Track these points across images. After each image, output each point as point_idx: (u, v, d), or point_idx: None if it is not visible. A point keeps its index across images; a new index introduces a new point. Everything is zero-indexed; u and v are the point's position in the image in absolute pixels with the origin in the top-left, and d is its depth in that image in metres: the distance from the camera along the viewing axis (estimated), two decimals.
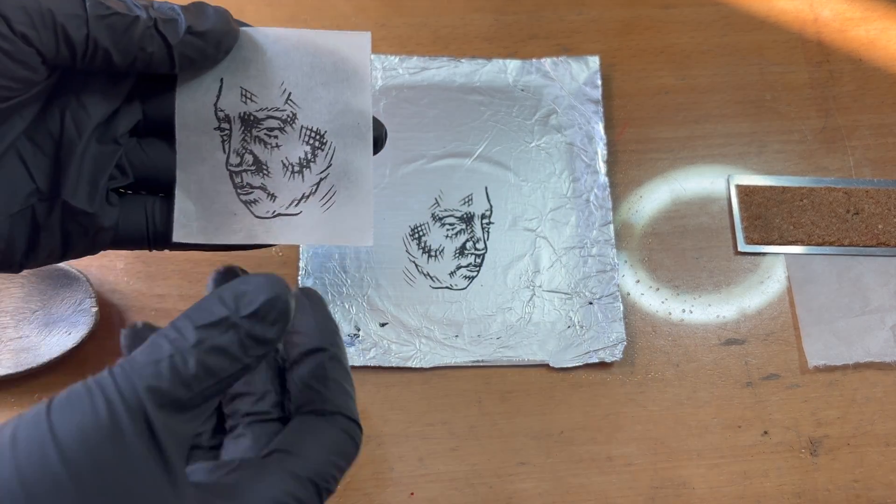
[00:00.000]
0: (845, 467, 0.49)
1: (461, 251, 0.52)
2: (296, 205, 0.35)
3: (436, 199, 0.53)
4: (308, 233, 0.35)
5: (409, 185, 0.54)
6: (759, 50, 0.59)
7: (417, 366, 0.49)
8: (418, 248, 0.52)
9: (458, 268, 0.52)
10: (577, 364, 0.50)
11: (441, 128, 0.55)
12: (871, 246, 0.54)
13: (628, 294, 0.52)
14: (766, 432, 0.49)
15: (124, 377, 0.25)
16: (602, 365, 0.50)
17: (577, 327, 0.51)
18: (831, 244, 0.54)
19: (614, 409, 0.49)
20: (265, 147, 0.35)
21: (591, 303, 0.51)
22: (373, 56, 0.56)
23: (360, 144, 0.35)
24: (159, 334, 0.27)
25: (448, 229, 0.53)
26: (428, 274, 0.52)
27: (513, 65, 0.57)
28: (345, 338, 0.49)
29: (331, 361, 0.32)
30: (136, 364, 0.26)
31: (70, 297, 0.48)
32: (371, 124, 0.35)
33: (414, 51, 0.58)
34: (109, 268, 0.51)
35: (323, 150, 0.35)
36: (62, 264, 0.49)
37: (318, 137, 0.35)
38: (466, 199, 0.54)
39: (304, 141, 0.35)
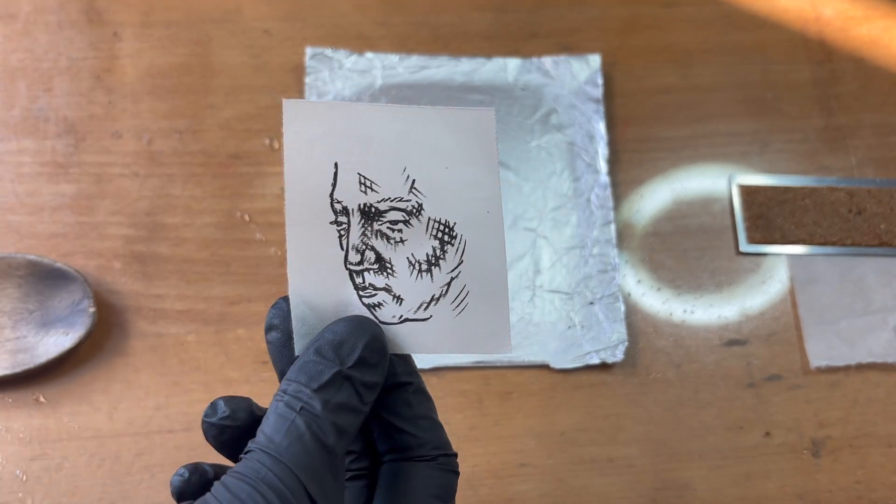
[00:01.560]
0: (847, 468, 0.48)
1: None
2: (425, 308, 0.31)
3: None
4: (439, 341, 0.31)
5: None
6: (761, 49, 0.59)
7: (417, 366, 0.49)
8: None
9: None
10: (577, 365, 0.49)
11: None
12: (874, 246, 0.53)
13: (629, 294, 0.52)
14: (768, 433, 0.49)
15: (275, 462, 0.26)
16: (603, 365, 0.50)
17: (578, 328, 0.50)
18: (833, 244, 0.53)
19: (615, 410, 0.49)
20: (388, 243, 0.31)
21: (592, 303, 0.51)
22: (371, 55, 0.56)
23: (491, 236, 0.31)
24: (284, 407, 0.27)
25: None
26: None
27: (513, 63, 0.57)
28: None
29: (416, 395, 0.31)
30: (280, 447, 0.26)
31: (68, 298, 0.48)
32: (502, 212, 0.32)
33: (414, 49, 0.57)
34: (107, 268, 0.50)
35: (453, 245, 0.31)
36: (60, 264, 0.48)
37: (447, 230, 0.31)
38: None
39: (431, 235, 0.31)
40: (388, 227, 0.31)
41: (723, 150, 0.56)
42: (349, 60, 0.56)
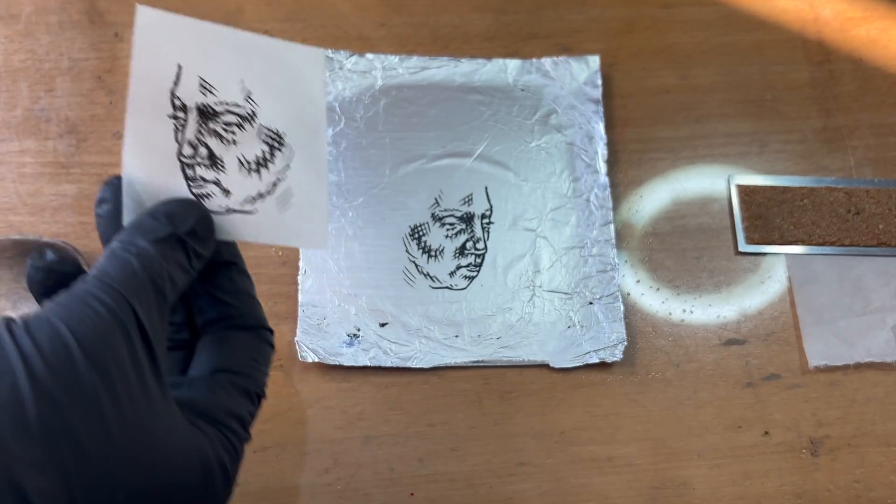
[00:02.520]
0: (846, 468, 0.49)
1: (461, 251, 0.52)
2: (251, 203, 0.34)
3: (436, 199, 0.53)
4: (262, 232, 0.35)
5: (409, 185, 0.54)
6: (760, 49, 0.59)
7: (417, 366, 0.49)
8: (418, 248, 0.52)
9: (458, 268, 0.52)
10: (577, 364, 0.49)
11: (441, 128, 0.55)
12: (872, 246, 0.53)
13: (629, 294, 0.52)
14: (766, 432, 0.49)
15: (108, 289, 0.27)
16: (602, 365, 0.50)
17: (578, 327, 0.51)
18: (832, 244, 0.53)
19: (615, 410, 0.49)
20: (221, 142, 0.34)
21: (591, 303, 0.51)
22: (372, 56, 0.56)
23: (316, 149, 0.36)
24: (120, 249, 0.28)
25: (448, 229, 0.53)
26: (428, 274, 0.52)
27: (513, 64, 0.57)
28: (344, 338, 0.49)
29: (239, 275, 0.34)
30: (114, 277, 0.27)
31: None
32: (325, 130, 0.36)
33: (414, 50, 0.57)
34: None
35: (282, 152, 0.35)
36: (46, 238, 0.48)
37: (276, 138, 0.35)
38: (466, 199, 0.53)
39: (262, 140, 0.35)
40: (222, 128, 0.34)
41: (721, 151, 0.56)
42: (350, 61, 0.56)
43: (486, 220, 0.53)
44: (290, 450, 0.47)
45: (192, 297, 0.34)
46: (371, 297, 0.51)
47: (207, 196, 0.34)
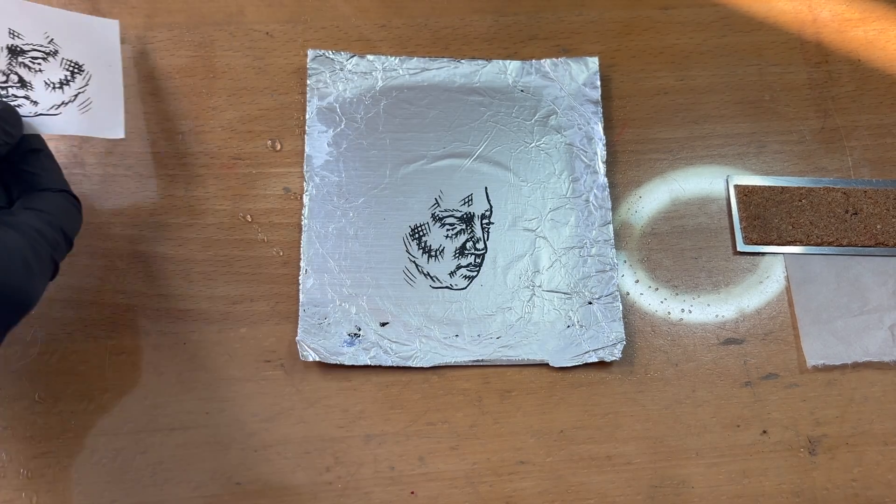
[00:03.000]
0: (844, 466, 0.49)
1: (461, 251, 0.53)
2: (56, 108, 0.44)
3: (436, 200, 0.54)
4: (66, 128, 0.44)
5: (410, 185, 0.54)
6: (758, 51, 0.60)
7: (418, 365, 0.49)
8: (418, 248, 0.52)
9: (458, 268, 0.52)
10: (576, 363, 0.50)
11: (441, 128, 0.55)
12: (870, 246, 0.54)
13: (627, 294, 0.53)
14: (764, 431, 0.50)
15: None
16: (601, 364, 0.50)
17: (577, 327, 0.51)
18: (830, 244, 0.54)
19: (613, 409, 0.50)
20: (30, 70, 0.44)
21: (590, 302, 0.51)
22: (372, 57, 0.57)
23: (112, 74, 0.46)
24: None
25: (448, 229, 0.53)
26: (428, 274, 0.52)
27: (512, 66, 0.57)
28: (345, 337, 0.50)
29: (46, 158, 0.43)
30: None
31: None
32: (119, 63, 0.47)
33: (414, 52, 0.58)
34: (111, 268, 0.51)
35: (81, 75, 0.45)
36: None
37: (77, 67, 0.45)
38: (466, 200, 0.54)
39: (64, 68, 0.45)
40: (30, 61, 0.44)
41: (720, 151, 0.57)
42: (350, 62, 0.56)
43: (485, 221, 0.53)
44: (291, 448, 0.48)
45: (8, 178, 0.42)
46: (372, 297, 0.51)
47: (18, 105, 0.43)
